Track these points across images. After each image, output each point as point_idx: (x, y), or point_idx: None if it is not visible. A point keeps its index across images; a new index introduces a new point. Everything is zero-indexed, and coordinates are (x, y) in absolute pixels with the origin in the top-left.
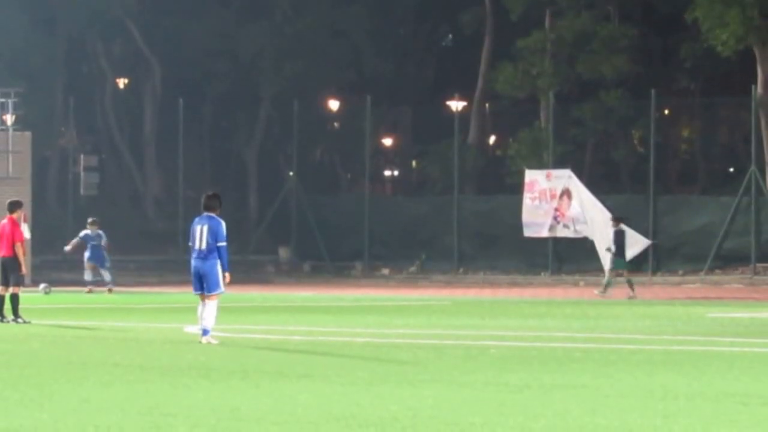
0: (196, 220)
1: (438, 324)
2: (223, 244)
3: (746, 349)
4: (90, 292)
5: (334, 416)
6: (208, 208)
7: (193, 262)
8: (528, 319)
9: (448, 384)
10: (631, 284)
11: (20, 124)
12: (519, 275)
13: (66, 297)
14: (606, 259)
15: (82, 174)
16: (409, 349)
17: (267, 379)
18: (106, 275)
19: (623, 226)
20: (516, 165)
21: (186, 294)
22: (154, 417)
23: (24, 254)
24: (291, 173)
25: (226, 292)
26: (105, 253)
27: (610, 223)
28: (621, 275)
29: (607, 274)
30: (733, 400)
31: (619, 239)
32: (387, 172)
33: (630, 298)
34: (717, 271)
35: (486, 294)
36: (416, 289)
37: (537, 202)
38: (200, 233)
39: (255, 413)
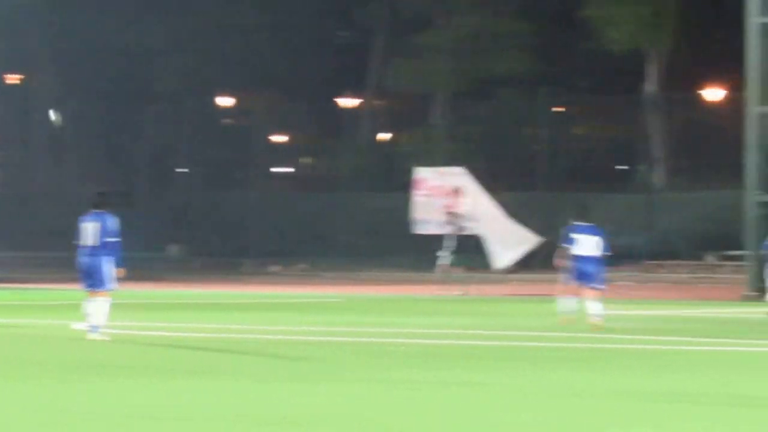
0: (86, 217)
1: (330, 321)
2: (115, 239)
3: (638, 347)
4: None
5: (228, 413)
6: (97, 205)
7: (82, 259)
8: (420, 316)
9: (342, 381)
10: (445, 281)
11: None
12: (411, 272)
13: None
14: (498, 256)
15: None
16: (301, 346)
17: (158, 376)
18: None
19: (458, 222)
20: (409, 162)
21: (76, 291)
22: (44, 415)
23: None
24: (183, 170)
25: (116, 288)
26: None
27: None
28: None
29: (449, 271)
30: (628, 397)
31: (455, 236)
32: (280, 169)
33: (462, 294)
34: (608, 268)
35: (378, 291)
36: (308, 286)
37: (428, 199)
38: (90, 230)
39: (146, 410)
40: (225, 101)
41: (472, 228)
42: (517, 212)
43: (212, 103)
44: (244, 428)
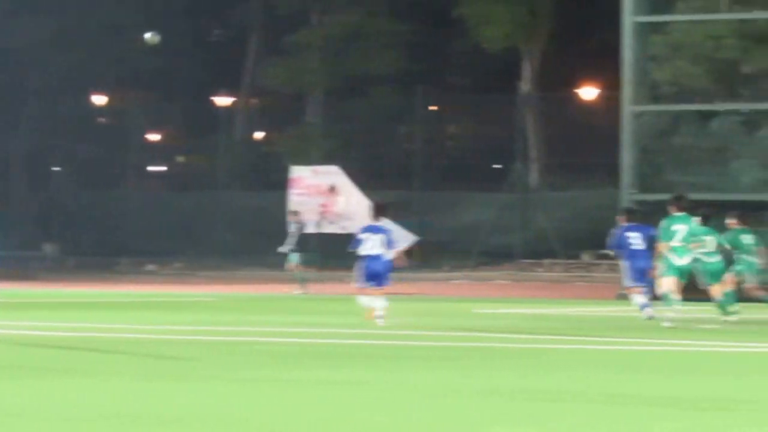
0: None
1: (205, 320)
2: None
3: (512, 345)
4: None
5: (106, 413)
6: None
7: None
8: (296, 314)
9: (218, 380)
10: (303, 279)
11: None
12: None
13: None
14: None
15: None
16: (177, 346)
17: (33, 376)
18: None
19: (302, 220)
20: (285, 161)
21: None
22: None
23: None
24: (58, 168)
25: None
26: None
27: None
28: (297, 269)
29: (294, 270)
30: (502, 396)
31: (295, 232)
32: (156, 168)
33: (300, 293)
34: (483, 267)
35: (253, 290)
36: (184, 285)
37: (304, 198)
38: None
39: (20, 410)
40: (100, 99)
41: (347, 227)
42: (392, 211)
43: (87, 101)
44: (119, 427)
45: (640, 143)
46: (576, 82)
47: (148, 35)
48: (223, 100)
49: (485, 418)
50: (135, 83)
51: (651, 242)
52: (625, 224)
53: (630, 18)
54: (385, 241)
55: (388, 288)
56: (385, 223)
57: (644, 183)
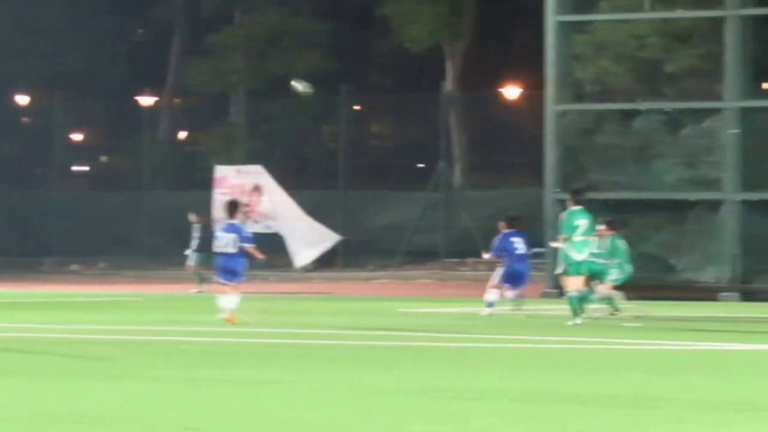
0: None
1: (129, 320)
2: None
3: (435, 344)
4: None
5: (28, 412)
6: None
7: None
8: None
9: (141, 380)
10: (202, 279)
11: None
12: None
13: None
14: (298, 254)
15: None
16: (100, 345)
17: None
18: None
19: (204, 222)
20: (209, 160)
21: None
22: None
23: None
24: None
25: None
26: None
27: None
28: (198, 269)
29: (193, 269)
30: (424, 395)
31: (197, 233)
32: (79, 167)
33: (198, 292)
34: (407, 266)
35: (178, 289)
36: (107, 285)
37: (228, 197)
38: None
39: None
40: (23, 99)
41: (271, 227)
42: (316, 210)
43: (10, 101)
44: (41, 426)
45: (563, 142)
46: (499, 81)
47: (299, 86)
48: (146, 100)
49: (405, 417)
50: (58, 82)
51: (531, 247)
52: (507, 230)
53: (553, 17)
54: (238, 239)
55: (241, 285)
56: (239, 220)
57: (568, 182)
